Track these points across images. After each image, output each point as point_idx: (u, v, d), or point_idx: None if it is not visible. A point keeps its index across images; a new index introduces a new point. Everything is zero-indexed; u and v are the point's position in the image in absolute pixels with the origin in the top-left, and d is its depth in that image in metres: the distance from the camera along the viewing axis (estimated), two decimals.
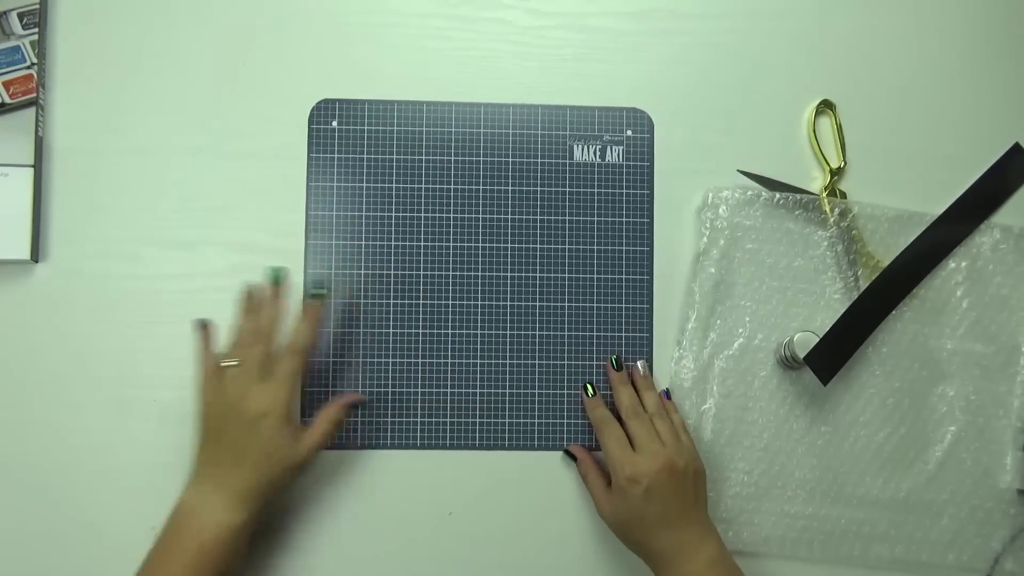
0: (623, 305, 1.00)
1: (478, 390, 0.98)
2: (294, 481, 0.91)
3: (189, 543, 0.83)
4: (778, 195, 1.00)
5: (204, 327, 0.91)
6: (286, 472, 0.87)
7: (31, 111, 0.95)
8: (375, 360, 0.98)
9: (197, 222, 0.98)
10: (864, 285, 0.99)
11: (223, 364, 0.88)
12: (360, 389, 0.97)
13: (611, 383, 0.97)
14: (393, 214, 0.99)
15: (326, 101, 0.99)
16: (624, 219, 1.00)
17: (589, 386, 0.97)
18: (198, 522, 0.84)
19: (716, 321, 0.99)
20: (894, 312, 1.00)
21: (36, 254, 0.95)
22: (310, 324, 0.91)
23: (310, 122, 0.99)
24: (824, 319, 0.99)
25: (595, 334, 0.99)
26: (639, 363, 0.98)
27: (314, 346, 0.93)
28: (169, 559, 0.83)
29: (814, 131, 1.02)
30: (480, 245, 0.99)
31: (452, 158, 1.00)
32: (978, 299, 1.01)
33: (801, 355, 0.94)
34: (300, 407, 0.96)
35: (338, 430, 0.93)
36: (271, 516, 0.94)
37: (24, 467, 0.94)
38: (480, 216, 0.99)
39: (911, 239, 1.00)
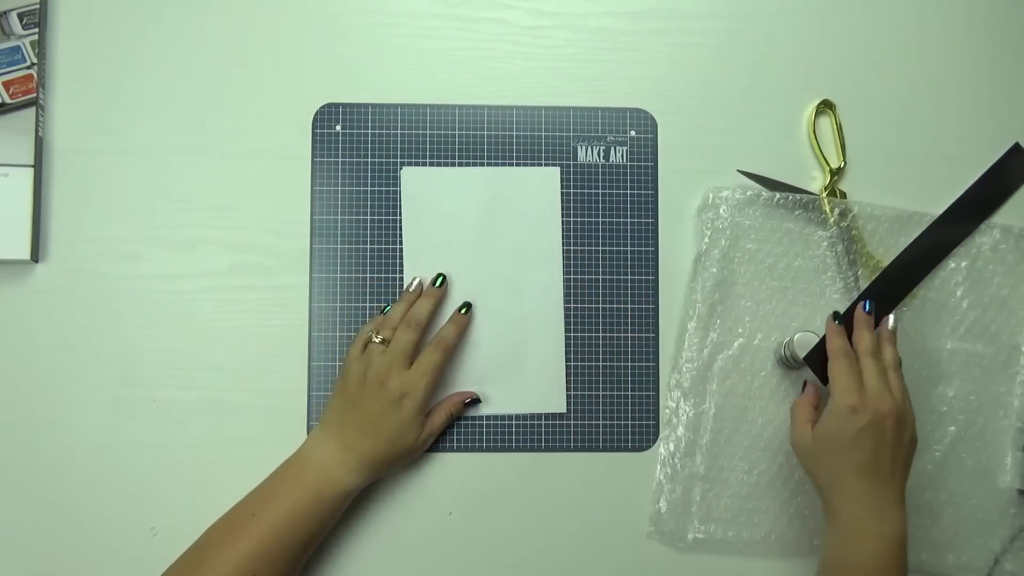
0: (629, 305, 1.00)
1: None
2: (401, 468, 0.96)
3: (308, 487, 0.87)
4: (778, 195, 1.00)
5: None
6: (407, 454, 0.92)
7: (31, 111, 0.95)
8: None
9: (197, 222, 0.97)
10: (864, 285, 0.99)
11: (374, 339, 0.91)
12: None
13: (855, 322, 0.92)
14: (398, 218, 0.99)
15: (329, 105, 0.99)
16: (629, 220, 1.00)
17: (836, 315, 0.93)
18: (320, 473, 0.87)
19: (716, 321, 0.99)
20: (893, 312, 1.00)
21: (36, 254, 0.95)
22: (457, 328, 0.96)
23: (314, 126, 0.99)
24: (824, 319, 0.99)
25: (600, 335, 0.99)
26: (890, 316, 0.94)
27: (456, 349, 0.96)
28: (286, 494, 0.86)
29: (814, 131, 1.02)
30: None
31: (456, 160, 1.00)
32: (978, 299, 1.01)
33: (801, 355, 0.94)
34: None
35: (450, 424, 0.97)
36: None
37: (24, 467, 0.94)
38: None
39: (911, 239, 1.00)
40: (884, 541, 0.82)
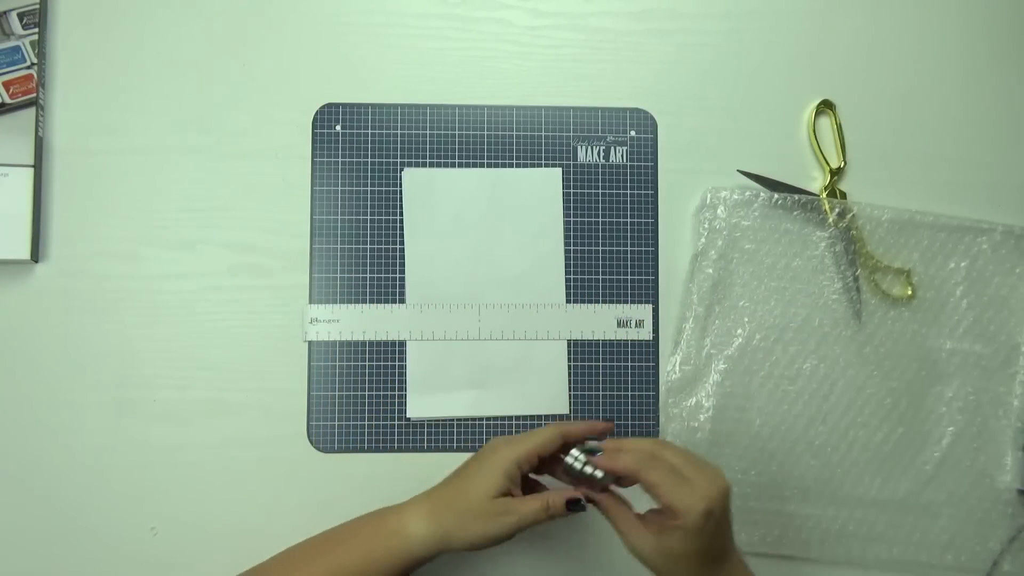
0: (629, 305, 1.00)
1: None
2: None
3: (383, 543, 0.82)
4: (776, 195, 1.00)
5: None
6: (479, 516, 0.81)
7: (31, 111, 0.95)
8: (381, 364, 0.98)
9: (197, 222, 0.98)
10: (863, 285, 1.00)
11: None
12: (366, 393, 0.98)
13: (609, 448, 0.82)
14: (398, 218, 0.99)
15: (329, 105, 0.99)
16: (629, 220, 1.00)
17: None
18: (395, 530, 0.82)
19: (714, 322, 1.00)
20: (893, 312, 1.00)
21: (36, 254, 0.95)
22: (589, 426, 0.85)
23: (313, 126, 0.99)
24: (822, 319, 1.00)
25: (602, 337, 1.00)
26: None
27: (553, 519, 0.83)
28: (363, 543, 0.82)
29: (814, 131, 1.02)
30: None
31: (456, 160, 1.00)
32: (977, 299, 1.01)
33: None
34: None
35: (547, 519, 0.82)
36: (270, 518, 0.94)
37: (24, 467, 0.94)
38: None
39: (910, 239, 1.01)
40: None
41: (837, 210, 1.00)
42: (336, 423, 0.97)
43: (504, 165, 1.00)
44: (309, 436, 0.96)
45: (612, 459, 0.80)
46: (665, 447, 0.80)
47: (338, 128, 0.99)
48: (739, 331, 1.00)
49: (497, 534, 0.81)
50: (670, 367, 0.99)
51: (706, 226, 1.00)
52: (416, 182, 0.99)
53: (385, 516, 0.84)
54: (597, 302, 0.99)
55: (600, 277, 1.00)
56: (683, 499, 0.76)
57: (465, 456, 0.96)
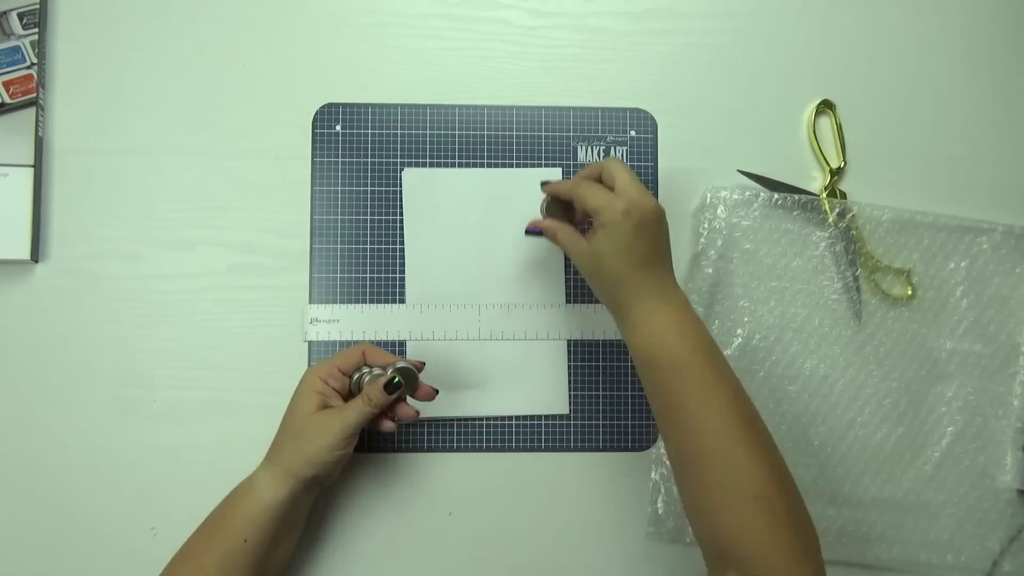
0: None
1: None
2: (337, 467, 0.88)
3: (238, 511, 0.85)
4: (776, 195, 1.00)
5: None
6: (306, 438, 0.86)
7: (31, 111, 0.95)
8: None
9: (197, 222, 0.98)
10: (863, 285, 1.00)
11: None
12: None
13: (573, 179, 0.91)
14: (398, 218, 0.99)
15: (329, 105, 0.99)
16: None
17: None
18: (245, 492, 0.86)
19: (714, 322, 0.99)
20: (893, 312, 1.00)
21: (36, 254, 0.95)
22: (382, 393, 0.87)
23: (314, 126, 0.99)
24: (823, 319, 1.00)
25: (602, 337, 1.00)
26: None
27: (378, 409, 0.87)
28: (222, 521, 0.85)
29: (814, 131, 1.02)
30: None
31: (456, 161, 1.00)
32: (977, 299, 1.01)
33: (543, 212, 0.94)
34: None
35: (379, 415, 0.88)
36: None
37: (24, 467, 0.94)
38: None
39: (911, 239, 1.01)
40: (678, 308, 0.83)
41: (837, 210, 1.00)
42: None
43: (504, 165, 1.00)
44: None
45: (554, 186, 0.91)
46: (612, 163, 0.87)
47: (338, 128, 0.99)
48: (739, 331, 1.00)
49: (331, 444, 0.85)
50: None
51: (706, 226, 1.00)
52: (416, 182, 0.99)
53: (237, 487, 0.87)
54: (597, 302, 0.99)
55: None
56: (605, 201, 0.83)
57: (465, 456, 0.97)
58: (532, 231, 0.92)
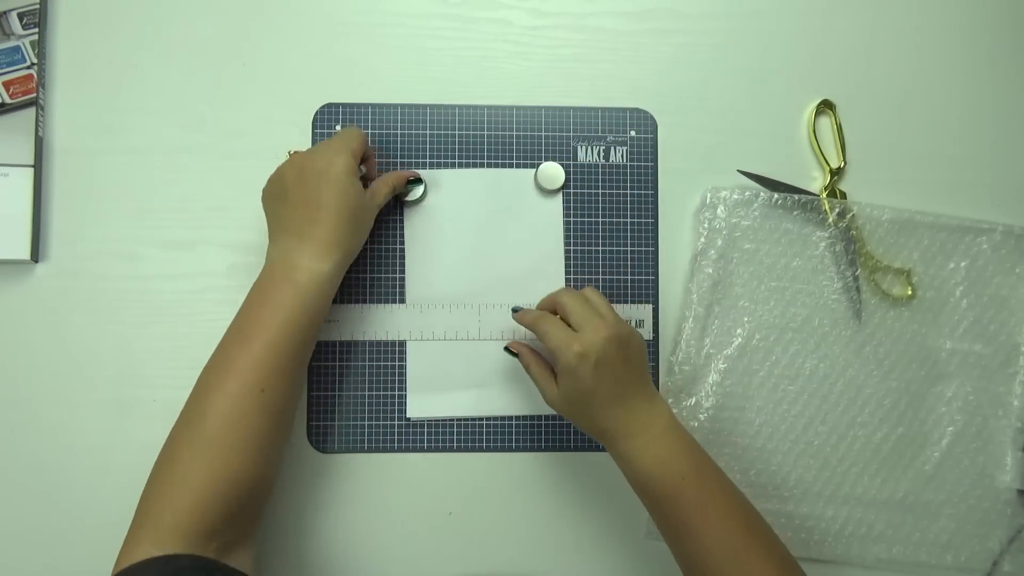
0: (629, 305, 1.00)
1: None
2: (362, 242, 0.92)
3: (285, 288, 0.84)
4: (776, 195, 1.00)
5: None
6: (359, 221, 0.90)
7: (31, 111, 0.95)
8: (381, 364, 0.98)
9: (197, 222, 0.98)
10: (863, 285, 1.00)
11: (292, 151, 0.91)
12: (366, 393, 0.98)
13: (539, 307, 0.94)
14: (398, 218, 0.99)
15: (329, 105, 0.99)
16: (629, 220, 1.00)
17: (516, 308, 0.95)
18: (290, 271, 0.85)
19: (714, 321, 1.00)
20: (893, 312, 1.00)
21: (36, 254, 0.95)
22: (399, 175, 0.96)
23: (314, 126, 0.99)
24: (822, 318, 1.00)
25: None
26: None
27: (365, 146, 0.92)
28: (268, 302, 0.84)
29: (814, 131, 1.02)
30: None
31: (456, 161, 1.00)
32: (977, 299, 1.01)
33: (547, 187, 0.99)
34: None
35: (392, 196, 0.96)
36: (270, 519, 0.95)
37: (23, 467, 0.94)
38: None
39: (910, 239, 1.01)
40: (660, 437, 0.84)
41: (837, 210, 1.00)
42: (336, 423, 0.97)
43: (504, 165, 1.00)
44: (309, 436, 0.97)
45: (520, 316, 0.92)
46: (564, 296, 0.89)
47: (338, 128, 0.99)
48: (739, 331, 1.00)
49: (372, 219, 0.93)
50: (669, 366, 0.99)
51: (706, 226, 1.00)
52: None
53: (279, 276, 0.86)
54: None
55: (600, 277, 1.00)
56: (561, 342, 0.84)
57: (465, 455, 0.97)
58: (509, 351, 0.94)
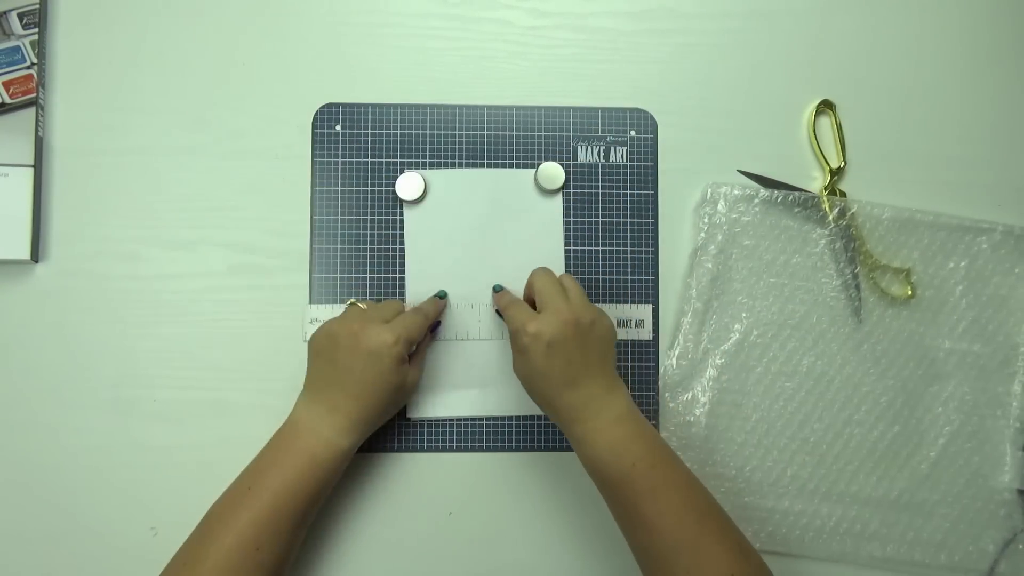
0: (629, 305, 1.00)
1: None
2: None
3: (302, 454, 0.85)
4: (777, 192, 1.00)
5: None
6: (395, 404, 0.91)
7: (31, 111, 0.95)
8: None
9: (197, 222, 0.98)
10: (862, 283, 1.00)
11: (357, 304, 0.92)
12: None
13: (508, 297, 0.96)
14: (397, 218, 0.99)
15: (329, 105, 0.99)
16: (629, 220, 1.00)
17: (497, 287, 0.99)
18: (312, 438, 0.86)
19: (712, 316, 1.00)
20: (891, 311, 1.00)
21: (36, 254, 0.95)
22: (435, 306, 0.96)
23: (313, 126, 0.99)
24: (821, 316, 1.00)
25: None
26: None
27: (435, 320, 0.96)
28: (282, 463, 0.85)
29: (814, 131, 1.02)
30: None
31: (456, 161, 1.00)
32: (976, 299, 1.01)
33: (547, 187, 0.99)
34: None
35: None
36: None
37: (24, 467, 0.95)
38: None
39: (911, 238, 1.01)
40: (614, 424, 0.84)
41: (837, 208, 1.00)
42: None
43: (504, 165, 1.00)
44: None
45: (496, 298, 0.96)
46: (538, 277, 0.91)
47: (338, 128, 0.99)
48: (737, 326, 1.00)
49: (404, 401, 0.95)
50: (667, 361, 1.00)
51: (706, 221, 1.00)
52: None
53: (300, 439, 0.87)
54: (597, 302, 0.99)
55: (600, 277, 1.00)
56: (519, 324, 0.86)
57: (465, 456, 0.98)
58: (497, 290, 0.98)
